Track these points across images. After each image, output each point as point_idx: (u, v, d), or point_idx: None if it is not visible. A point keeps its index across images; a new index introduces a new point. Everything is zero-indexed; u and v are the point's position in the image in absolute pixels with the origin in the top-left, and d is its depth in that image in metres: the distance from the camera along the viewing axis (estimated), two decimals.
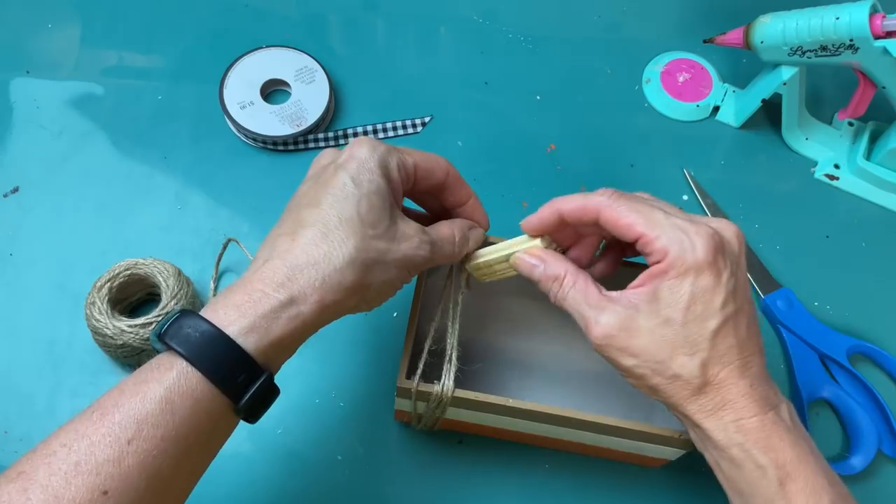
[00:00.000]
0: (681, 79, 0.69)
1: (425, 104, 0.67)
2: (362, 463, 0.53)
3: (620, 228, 0.40)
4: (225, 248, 0.57)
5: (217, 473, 0.52)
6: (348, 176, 0.40)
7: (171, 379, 0.35)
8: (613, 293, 0.41)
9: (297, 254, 0.38)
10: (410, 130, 0.66)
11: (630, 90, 0.70)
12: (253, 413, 0.38)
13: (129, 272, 0.54)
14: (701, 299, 0.38)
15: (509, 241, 0.45)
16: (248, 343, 0.36)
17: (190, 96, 0.66)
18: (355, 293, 0.39)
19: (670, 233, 0.39)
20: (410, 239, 0.41)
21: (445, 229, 0.44)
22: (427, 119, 0.66)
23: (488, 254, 0.45)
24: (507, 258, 0.44)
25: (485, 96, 0.68)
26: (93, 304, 0.52)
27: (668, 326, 0.39)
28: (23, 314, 0.56)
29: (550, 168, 0.65)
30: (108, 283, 0.53)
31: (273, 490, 0.52)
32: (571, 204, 0.41)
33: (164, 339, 0.36)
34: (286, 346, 0.38)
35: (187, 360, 0.35)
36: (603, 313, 0.40)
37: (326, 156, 0.43)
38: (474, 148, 0.66)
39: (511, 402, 0.45)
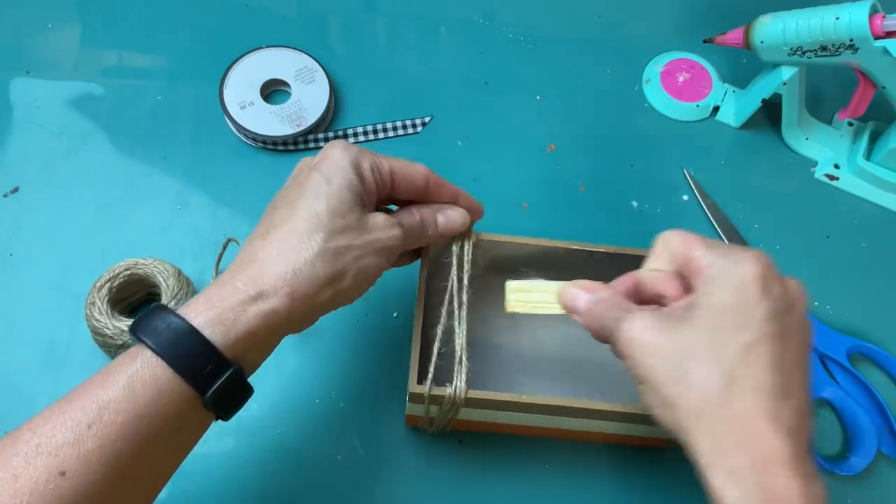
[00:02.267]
0: (681, 79, 0.69)
1: (425, 104, 0.67)
2: (362, 463, 0.53)
3: (682, 254, 0.40)
4: (225, 248, 0.57)
5: (218, 473, 0.52)
6: (320, 174, 0.41)
7: (135, 367, 0.36)
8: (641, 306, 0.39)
9: (269, 250, 0.39)
10: (410, 130, 0.66)
11: (630, 90, 0.70)
12: (223, 408, 0.38)
13: (129, 272, 0.54)
14: (740, 309, 0.36)
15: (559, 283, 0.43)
16: (215, 335, 0.37)
17: (190, 96, 0.66)
18: (328, 284, 0.40)
19: (718, 252, 0.38)
20: (380, 227, 0.42)
21: (412, 214, 0.45)
22: (427, 119, 0.66)
23: (534, 287, 0.44)
24: (550, 292, 0.43)
25: (485, 96, 0.68)
26: (93, 304, 0.52)
27: (698, 329, 0.36)
28: (23, 314, 0.56)
29: (550, 168, 0.65)
30: (108, 284, 0.53)
31: (273, 490, 0.52)
32: (653, 283, 0.41)
33: (134, 331, 0.37)
34: (258, 341, 0.38)
35: (151, 349, 0.36)
36: (635, 315, 0.38)
37: (304, 161, 0.44)
38: (474, 148, 0.66)
39: (524, 398, 0.45)
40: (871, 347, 0.57)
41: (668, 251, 0.41)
